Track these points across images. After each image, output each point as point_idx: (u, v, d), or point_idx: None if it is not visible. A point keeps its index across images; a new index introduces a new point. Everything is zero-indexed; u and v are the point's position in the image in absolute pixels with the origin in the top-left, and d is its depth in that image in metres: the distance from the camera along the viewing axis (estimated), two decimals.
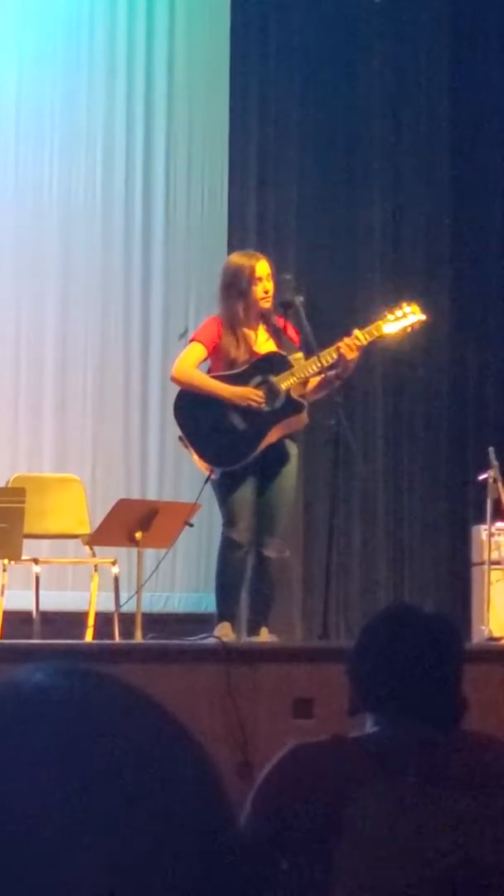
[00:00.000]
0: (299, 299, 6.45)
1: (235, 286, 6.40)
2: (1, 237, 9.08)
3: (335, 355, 6.35)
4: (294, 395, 6.37)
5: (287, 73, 9.61)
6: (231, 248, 8.87)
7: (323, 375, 6.36)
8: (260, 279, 6.38)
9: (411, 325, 6.62)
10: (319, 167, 9.60)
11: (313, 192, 9.58)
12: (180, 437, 6.48)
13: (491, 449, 7.58)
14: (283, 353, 6.42)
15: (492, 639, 7.25)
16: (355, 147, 9.71)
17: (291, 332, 6.50)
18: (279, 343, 6.46)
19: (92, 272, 9.21)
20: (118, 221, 9.34)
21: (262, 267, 6.41)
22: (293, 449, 6.52)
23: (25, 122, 9.19)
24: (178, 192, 9.46)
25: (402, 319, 6.59)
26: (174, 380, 6.50)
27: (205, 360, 6.46)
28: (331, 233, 9.57)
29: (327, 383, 6.40)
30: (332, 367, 6.36)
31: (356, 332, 6.45)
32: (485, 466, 7.59)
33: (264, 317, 6.46)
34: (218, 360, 6.44)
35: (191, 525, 6.69)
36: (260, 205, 9.55)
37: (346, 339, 6.38)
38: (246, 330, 6.40)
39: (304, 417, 6.45)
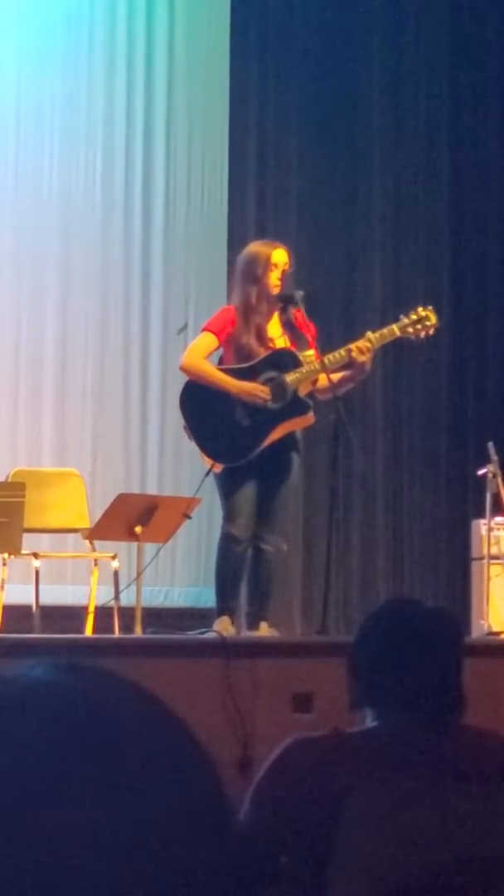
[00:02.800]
0: (300, 294, 6.41)
1: (251, 273, 6.36)
2: (1, 233, 9.08)
3: (345, 357, 6.30)
4: (302, 394, 6.34)
5: (287, 69, 9.60)
6: (231, 242, 8.88)
7: (330, 378, 6.24)
8: (276, 266, 6.32)
9: (425, 331, 6.54)
10: (319, 163, 9.59)
11: (313, 188, 9.57)
12: (185, 427, 6.45)
13: (490, 444, 7.58)
14: (296, 350, 6.35)
15: (491, 633, 7.25)
16: (355, 143, 9.71)
17: (306, 327, 6.42)
18: (293, 338, 6.41)
19: (92, 267, 9.21)
20: (118, 217, 9.33)
21: (279, 255, 6.36)
22: (297, 446, 6.48)
23: (25, 117, 9.18)
24: (177, 188, 9.45)
25: (416, 323, 6.52)
26: (183, 369, 6.42)
27: (216, 349, 6.39)
28: (330, 229, 9.57)
29: (340, 384, 6.31)
30: (342, 368, 6.32)
31: (368, 334, 6.37)
32: (484, 461, 7.59)
33: (282, 308, 6.41)
34: (230, 349, 6.38)
35: (189, 517, 6.68)
36: (259, 200, 9.54)
37: (358, 343, 6.30)
38: (258, 318, 6.34)
39: (310, 417, 6.39)
